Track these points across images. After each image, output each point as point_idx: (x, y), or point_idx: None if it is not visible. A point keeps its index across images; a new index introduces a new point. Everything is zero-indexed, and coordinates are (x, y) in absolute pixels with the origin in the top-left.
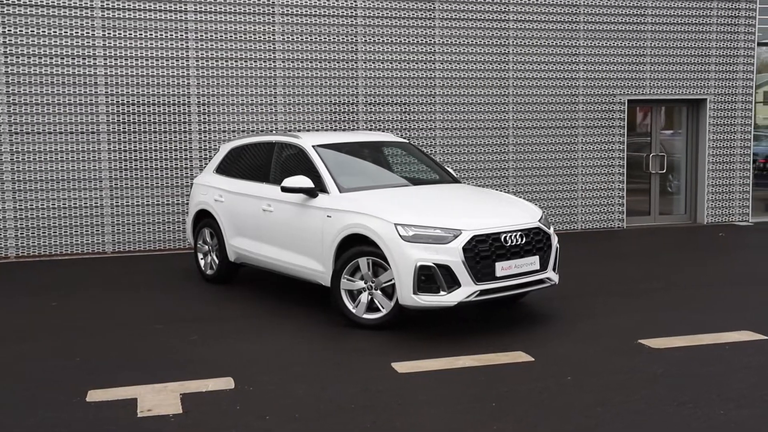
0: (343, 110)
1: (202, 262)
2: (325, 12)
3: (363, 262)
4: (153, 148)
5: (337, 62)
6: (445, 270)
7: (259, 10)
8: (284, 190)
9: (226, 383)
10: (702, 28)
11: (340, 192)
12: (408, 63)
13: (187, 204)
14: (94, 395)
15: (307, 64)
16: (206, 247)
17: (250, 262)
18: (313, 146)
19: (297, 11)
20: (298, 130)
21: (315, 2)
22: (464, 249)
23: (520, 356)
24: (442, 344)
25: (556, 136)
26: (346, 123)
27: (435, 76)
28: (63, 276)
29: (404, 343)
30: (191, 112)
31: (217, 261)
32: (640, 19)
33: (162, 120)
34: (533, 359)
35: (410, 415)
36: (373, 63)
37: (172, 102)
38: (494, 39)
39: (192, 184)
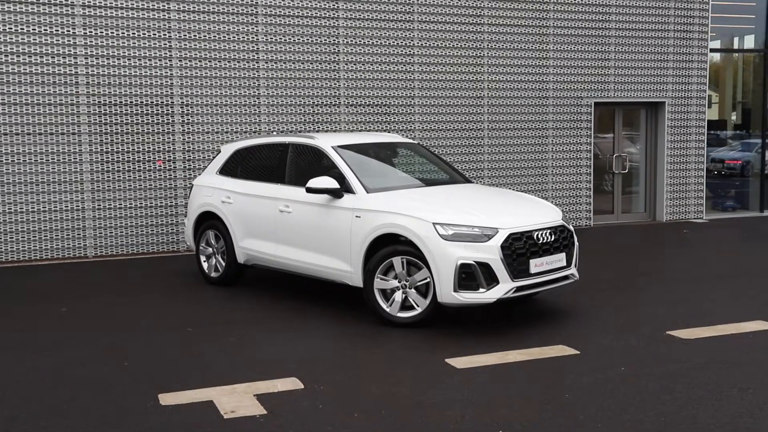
0: (325, 111)
1: (205, 265)
2: (307, 13)
3: (397, 261)
4: (135, 149)
5: (320, 63)
6: (485, 268)
7: (242, 10)
8: (309, 191)
9: (293, 383)
10: (660, 35)
11: (367, 192)
12: (388, 65)
13: (172, 206)
14: (167, 399)
15: (290, 65)
16: (210, 249)
17: (264, 264)
18: (333, 147)
19: (280, 12)
20: (309, 131)
21: (297, 3)
22: (502, 247)
23: (565, 350)
24: (485, 340)
25: (528, 137)
26: (328, 124)
27: (414, 77)
28: (51, 281)
29: (446, 339)
30: (174, 113)
31: (223, 263)
32: (604, 25)
33: (145, 121)
34: (578, 352)
35: (495, 408)
36: (355, 64)
37: (154, 102)
38: (470, 42)
39: (192, 185)
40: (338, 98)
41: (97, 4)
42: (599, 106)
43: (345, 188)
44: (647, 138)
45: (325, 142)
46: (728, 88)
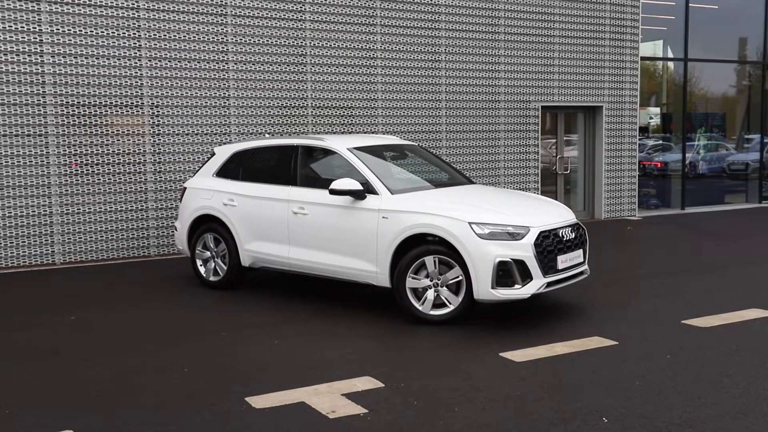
0: (293, 113)
1: (202, 269)
2: (275, 15)
3: (430, 260)
4: (104, 151)
5: (287, 65)
6: (520, 265)
7: (211, 11)
8: (333, 192)
9: (371, 382)
10: (598, 42)
11: (392, 194)
12: (352, 68)
13: (142, 210)
14: (258, 402)
15: (259, 67)
16: (207, 253)
17: (273, 266)
18: (349, 149)
19: (248, 13)
20: (320, 133)
21: (266, 5)
22: (535, 244)
23: (603, 341)
24: (523, 334)
25: (481, 140)
26: (296, 126)
27: (377, 81)
28: (32, 290)
29: (484, 335)
30: (144, 114)
31: (224, 267)
32: (549, 32)
33: (114, 122)
34: (617, 342)
35: (580, 397)
36: (321, 67)
37: (124, 104)
38: (427, 47)
39: (184, 188)
40: (305, 100)
41: (65, 1)
42: (546, 110)
43: (367, 189)
44: (586, 140)
45: (339, 145)
46: None
